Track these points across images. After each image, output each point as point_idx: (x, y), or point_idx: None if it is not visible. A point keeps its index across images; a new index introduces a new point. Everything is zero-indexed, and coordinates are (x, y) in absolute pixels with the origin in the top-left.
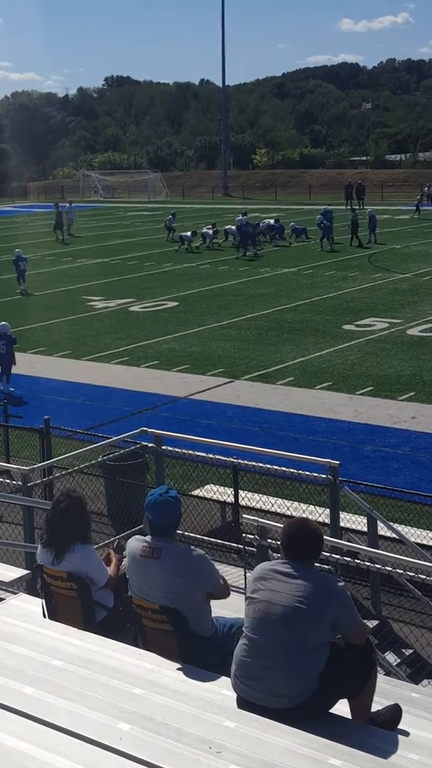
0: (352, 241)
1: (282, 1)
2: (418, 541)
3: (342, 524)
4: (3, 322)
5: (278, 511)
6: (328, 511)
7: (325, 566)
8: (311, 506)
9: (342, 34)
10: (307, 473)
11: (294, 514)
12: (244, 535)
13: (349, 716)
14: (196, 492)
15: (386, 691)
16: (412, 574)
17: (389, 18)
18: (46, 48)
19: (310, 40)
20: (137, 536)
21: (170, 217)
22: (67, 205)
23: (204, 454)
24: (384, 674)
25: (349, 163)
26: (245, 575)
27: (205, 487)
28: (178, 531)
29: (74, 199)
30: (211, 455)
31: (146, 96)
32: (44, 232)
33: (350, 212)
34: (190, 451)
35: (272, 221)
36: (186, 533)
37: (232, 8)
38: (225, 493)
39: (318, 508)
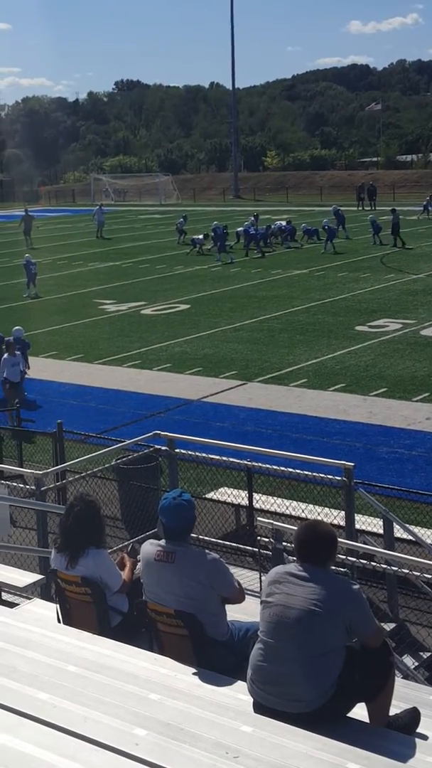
0: (396, 242)
1: (291, 4)
2: None
3: (357, 526)
4: (17, 327)
5: (293, 513)
6: (343, 513)
7: (341, 569)
8: (326, 508)
9: (351, 36)
10: (322, 475)
11: (309, 516)
12: (258, 538)
13: (367, 720)
14: (210, 495)
15: (404, 695)
16: (429, 576)
17: (398, 19)
18: (56, 53)
19: (320, 43)
20: (151, 540)
21: (181, 220)
22: (97, 207)
23: (217, 457)
24: (402, 677)
25: (359, 165)
26: (260, 578)
27: (219, 490)
28: (192, 534)
29: (106, 203)
30: (224, 458)
31: (156, 99)
32: (55, 236)
33: (391, 213)
34: (204, 454)
35: (284, 223)
36: (200, 537)
37: (242, 11)
38: (239, 496)
39: (333, 510)
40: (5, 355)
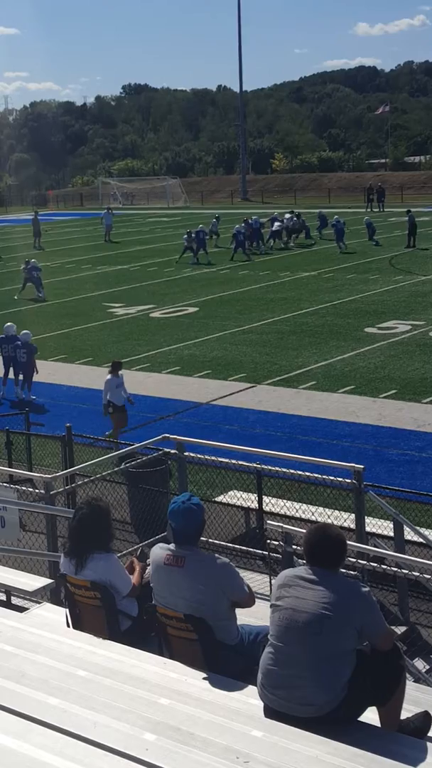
0: (410, 242)
1: (298, 7)
2: None
3: (368, 529)
4: (25, 331)
5: (303, 516)
6: (353, 516)
7: (352, 572)
8: (336, 511)
9: (358, 38)
10: (332, 478)
11: (319, 519)
12: (268, 541)
13: (378, 724)
14: (219, 498)
15: (415, 698)
16: None
17: (405, 21)
18: (63, 57)
19: (327, 45)
20: (161, 544)
21: (214, 221)
22: (105, 211)
23: (227, 460)
24: (413, 681)
25: (368, 166)
26: (270, 582)
27: (229, 493)
28: (202, 538)
29: (113, 206)
30: (234, 461)
31: (164, 103)
32: (63, 240)
33: (406, 214)
34: (213, 457)
35: (282, 222)
36: (210, 540)
37: (249, 14)
38: (249, 499)
39: (343, 513)
40: (108, 376)
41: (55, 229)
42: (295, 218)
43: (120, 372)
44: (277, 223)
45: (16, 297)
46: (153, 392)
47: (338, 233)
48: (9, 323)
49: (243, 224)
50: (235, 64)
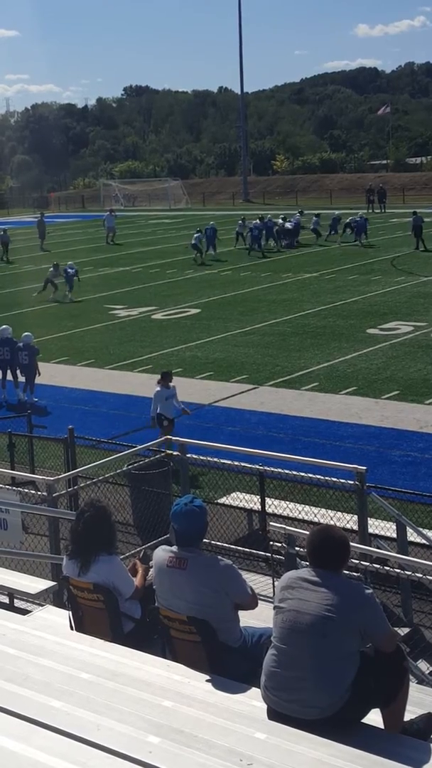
0: (419, 245)
1: (298, 9)
2: None
3: (370, 531)
4: (26, 333)
5: (305, 518)
6: (356, 517)
7: (355, 573)
8: (339, 513)
9: (359, 40)
10: (334, 479)
11: (322, 521)
12: (271, 543)
13: (382, 726)
14: (222, 500)
15: (419, 700)
16: None
17: (406, 22)
18: (64, 59)
19: (327, 46)
20: (163, 546)
21: (240, 222)
22: (107, 213)
23: (229, 462)
24: (416, 683)
25: (369, 167)
26: (273, 584)
27: (231, 495)
28: (204, 540)
29: (115, 208)
30: (236, 462)
31: (165, 104)
32: (65, 242)
33: (412, 215)
34: (216, 459)
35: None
36: (213, 542)
37: (249, 16)
38: (251, 501)
39: (346, 514)
40: (158, 388)
41: (56, 231)
42: (302, 218)
43: (171, 383)
44: (288, 224)
45: (34, 294)
46: None
47: (359, 229)
48: (4, 326)
49: (258, 221)
50: (235, 65)
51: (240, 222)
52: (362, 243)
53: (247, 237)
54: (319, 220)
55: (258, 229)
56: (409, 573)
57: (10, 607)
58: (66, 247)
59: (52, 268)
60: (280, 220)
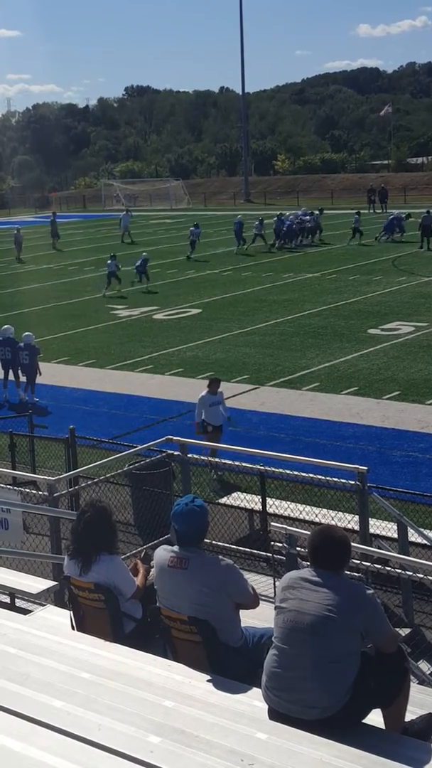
0: (423, 244)
1: (299, 9)
2: None
3: (372, 531)
4: (27, 333)
5: (306, 518)
6: (357, 517)
7: (356, 574)
8: (340, 513)
9: (360, 40)
10: (335, 480)
11: (323, 521)
12: (272, 543)
13: (383, 726)
14: (223, 500)
15: (420, 701)
16: None
17: (408, 22)
18: (66, 59)
19: (329, 46)
20: (164, 546)
21: (257, 223)
22: (123, 213)
23: (230, 462)
24: (417, 683)
25: (370, 167)
26: (274, 584)
27: (232, 495)
28: (205, 540)
29: (117, 207)
30: (237, 463)
31: (166, 105)
32: (66, 242)
33: (425, 214)
34: (217, 459)
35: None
36: (214, 542)
37: (250, 16)
38: (252, 501)
39: (347, 514)
40: (203, 393)
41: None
42: (312, 217)
43: (219, 389)
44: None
45: (103, 295)
46: (156, 394)
47: (398, 226)
48: (6, 326)
49: (276, 219)
50: (237, 65)
51: (257, 223)
52: (379, 241)
53: (281, 233)
54: (360, 218)
55: (292, 222)
56: (410, 573)
57: (12, 607)
58: (67, 247)
59: (110, 261)
60: (306, 216)
